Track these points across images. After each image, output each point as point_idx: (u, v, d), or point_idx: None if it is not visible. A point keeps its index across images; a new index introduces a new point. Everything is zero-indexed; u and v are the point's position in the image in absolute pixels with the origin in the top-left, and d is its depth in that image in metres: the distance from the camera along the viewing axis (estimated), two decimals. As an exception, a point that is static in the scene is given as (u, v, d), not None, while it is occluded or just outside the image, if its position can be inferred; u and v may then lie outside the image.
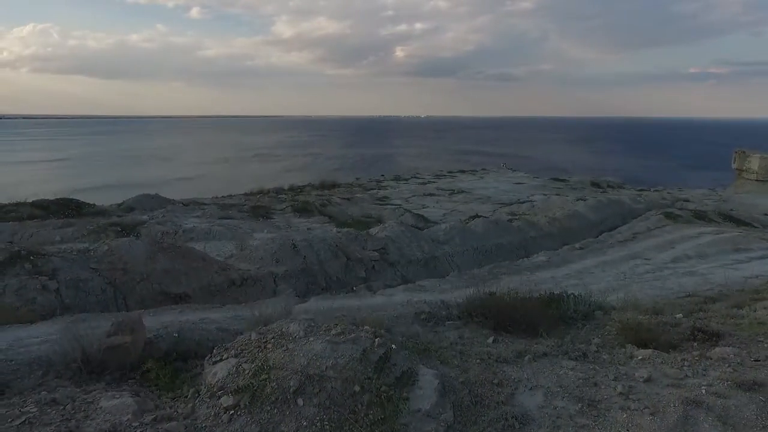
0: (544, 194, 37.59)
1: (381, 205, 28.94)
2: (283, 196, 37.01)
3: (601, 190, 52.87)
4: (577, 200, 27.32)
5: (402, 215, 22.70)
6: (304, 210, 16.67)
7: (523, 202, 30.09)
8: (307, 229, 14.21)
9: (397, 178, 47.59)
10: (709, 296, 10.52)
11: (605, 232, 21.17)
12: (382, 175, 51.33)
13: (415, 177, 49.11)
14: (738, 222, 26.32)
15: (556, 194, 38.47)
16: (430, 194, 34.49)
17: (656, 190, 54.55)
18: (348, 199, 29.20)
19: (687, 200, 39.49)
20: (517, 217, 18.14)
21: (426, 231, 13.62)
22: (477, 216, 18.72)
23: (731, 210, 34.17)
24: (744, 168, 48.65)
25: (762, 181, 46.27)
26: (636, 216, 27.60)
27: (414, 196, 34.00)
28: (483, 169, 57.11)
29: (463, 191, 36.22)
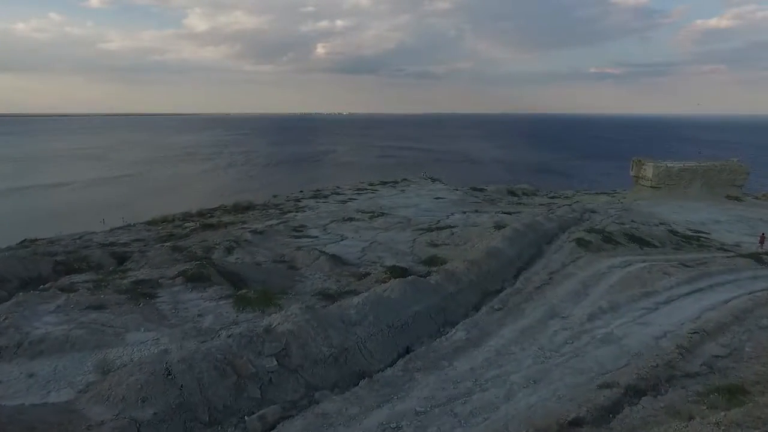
0: (464, 212, 37.41)
1: (297, 238, 26.90)
2: (190, 224, 33.76)
3: (516, 198, 54.35)
4: (495, 227, 26.99)
5: (317, 259, 20.93)
6: (199, 278, 14.34)
7: (443, 228, 29.41)
8: (197, 315, 12.01)
9: (316, 195, 45.54)
10: (630, 384, 9.93)
11: (523, 269, 20.81)
12: (301, 191, 49.03)
13: (336, 193, 47.35)
14: (641, 242, 27.36)
15: (476, 211, 38.50)
16: (350, 219, 32.90)
17: (565, 196, 57.06)
18: (261, 233, 26.85)
19: (594, 211, 41.20)
20: (435, 270, 16.99)
21: (336, 310, 12.01)
22: (394, 269, 17.40)
23: (633, 224, 36.01)
24: (640, 175, 51.99)
25: (656, 187, 49.65)
26: (550, 238, 27.93)
27: (333, 222, 32.22)
28: (404, 180, 56.50)
29: (383, 213, 35.01)
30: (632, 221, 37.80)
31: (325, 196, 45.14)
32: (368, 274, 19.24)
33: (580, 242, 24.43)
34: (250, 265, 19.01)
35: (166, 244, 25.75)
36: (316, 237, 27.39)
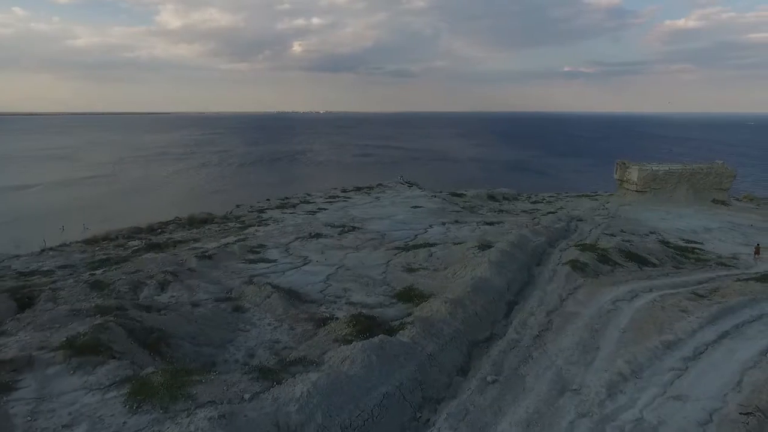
0: (443, 223, 34.03)
1: (252, 262, 23.00)
2: (135, 243, 29.54)
3: (497, 203, 51.33)
4: (479, 247, 23.59)
5: (269, 296, 17.19)
6: (93, 348, 10.41)
7: (421, 246, 25.90)
8: (63, 425, 8.20)
9: (283, 204, 41.55)
10: None
11: (515, 303, 17.46)
12: (268, 200, 44.95)
13: (305, 201, 43.45)
14: (639, 260, 24.44)
15: (456, 222, 35.17)
16: (317, 235, 29.12)
17: (547, 201, 54.35)
18: (210, 257, 22.90)
19: (580, 219, 38.42)
20: (411, 320, 13.41)
21: (270, 408, 8.34)
22: (359, 319, 13.72)
23: (624, 234, 33.27)
24: (625, 179, 49.55)
25: (641, 191, 47.26)
26: (540, 256, 24.79)
27: (297, 239, 28.40)
28: (379, 185, 52.90)
29: (354, 227, 31.33)
30: (622, 231, 35.14)
31: (293, 206, 41.21)
32: (329, 318, 15.56)
33: (575, 266, 21.25)
34: (181, 312, 15.11)
35: (95, 273, 21.62)
36: (275, 261, 23.54)
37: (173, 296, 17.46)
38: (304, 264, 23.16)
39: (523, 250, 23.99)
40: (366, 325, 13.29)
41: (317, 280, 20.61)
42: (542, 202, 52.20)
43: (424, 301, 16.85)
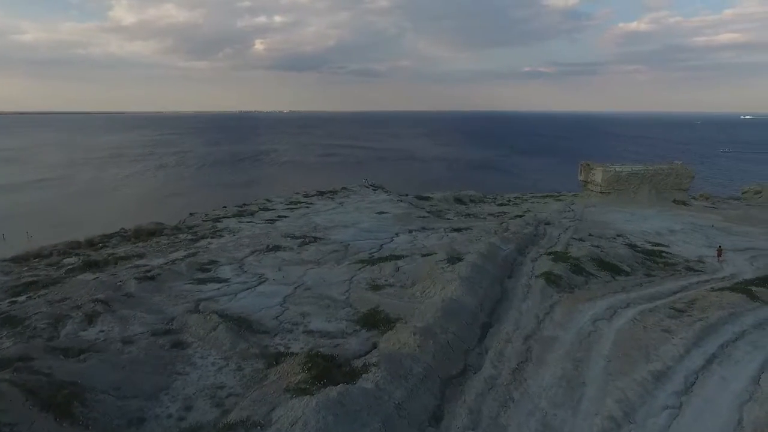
0: (410, 231, 32.46)
1: (200, 283, 20.69)
2: (70, 260, 26.54)
3: (464, 206, 50.31)
4: (447, 260, 22.05)
5: (215, 329, 15.07)
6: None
7: (387, 259, 24.16)
8: None
9: (241, 213, 38.98)
10: None
11: (489, 326, 15.99)
12: (225, 207, 42.24)
13: (265, 208, 41.01)
14: (612, 269, 23.55)
15: (422, 229, 33.69)
16: (276, 248, 26.95)
17: (514, 203, 53.75)
18: (152, 278, 20.45)
19: (548, 223, 37.67)
20: (375, 362, 11.63)
21: None
22: (315, 361, 11.80)
23: (592, 238, 32.61)
24: (589, 180, 49.43)
25: (605, 192, 47.20)
26: (511, 266, 23.57)
27: (254, 253, 26.16)
28: (343, 189, 50.90)
29: (316, 238, 29.31)
30: (590, 235, 34.54)
31: (252, 213, 38.73)
32: (282, 354, 13.60)
33: (549, 279, 20.05)
34: (106, 355, 12.83)
35: (15, 300, 18.86)
36: (227, 281, 21.29)
37: (102, 331, 15.07)
38: (260, 283, 21.02)
39: (493, 262, 22.67)
40: (323, 368, 11.43)
41: (273, 303, 18.55)
42: (509, 204, 51.54)
43: (390, 329, 15.18)
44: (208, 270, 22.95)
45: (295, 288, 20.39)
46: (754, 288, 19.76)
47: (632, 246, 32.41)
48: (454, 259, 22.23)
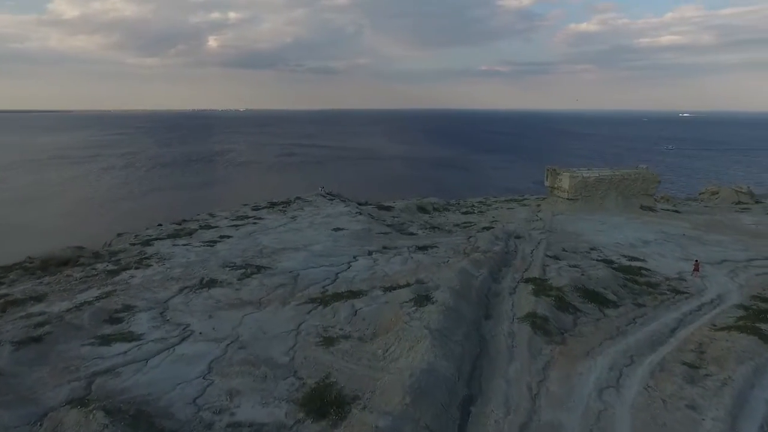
0: (370, 253, 28.61)
1: (103, 344, 16.08)
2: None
3: (428, 216, 46.99)
4: (414, 300, 18.35)
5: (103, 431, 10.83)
6: None
7: (343, 297, 20.20)
8: None
9: (177, 232, 33.95)
10: None
11: (469, 403, 12.43)
12: (160, 225, 37.02)
13: (206, 225, 36.12)
14: (598, 301, 20.65)
15: (384, 248, 29.93)
16: (211, 283, 22.47)
17: (480, 210, 50.94)
18: (38, 339, 15.73)
19: (518, 236, 34.80)
20: None
21: None
22: None
23: (565, 253, 29.88)
24: (556, 186, 47.20)
25: (572, 199, 45.04)
26: (487, 302, 20.28)
27: (183, 291, 21.61)
28: (298, 199, 46.43)
29: (261, 268, 24.95)
30: (564, 250, 31.87)
31: (190, 233, 33.79)
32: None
33: (535, 324, 16.75)
34: None
35: None
36: (140, 338, 16.75)
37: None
38: (182, 340, 16.63)
39: (467, 299, 19.20)
40: None
41: (193, 374, 14.26)
42: (474, 213, 48.64)
43: (344, 417, 11.38)
44: (119, 320, 18.30)
45: (227, 346, 16.14)
46: (762, 327, 17.17)
47: (609, 262, 30.00)
48: (421, 298, 18.56)
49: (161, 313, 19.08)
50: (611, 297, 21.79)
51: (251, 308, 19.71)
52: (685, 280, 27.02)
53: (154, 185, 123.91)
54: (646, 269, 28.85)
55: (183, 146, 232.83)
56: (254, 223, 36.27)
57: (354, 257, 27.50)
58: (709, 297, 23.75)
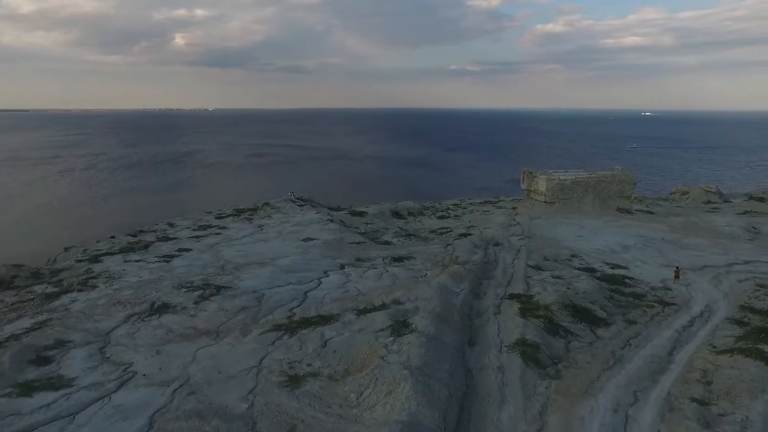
0: (342, 267, 26.44)
1: (23, 395, 13.43)
2: None
3: (403, 221, 45.10)
4: (392, 330, 16.28)
5: None
6: None
7: (312, 322, 18.04)
8: None
9: (131, 246, 30.96)
10: None
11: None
12: (113, 237, 33.84)
13: (165, 237, 33.18)
14: (588, 320, 19.14)
15: (357, 260, 27.82)
16: (163, 308, 19.88)
17: (455, 215, 49.37)
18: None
19: (497, 243, 33.28)
20: None
21: None
22: None
23: (547, 262, 28.42)
24: (532, 189, 46.05)
25: (549, 202, 43.96)
26: (470, 324, 18.52)
27: (130, 318, 18.98)
28: (266, 205, 43.75)
29: (221, 288, 22.44)
30: (545, 259, 30.47)
31: (146, 246, 30.86)
32: None
33: (526, 354, 15.00)
34: None
35: None
36: (71, 383, 14.16)
37: None
38: (120, 386, 14.12)
39: (450, 323, 17.34)
40: None
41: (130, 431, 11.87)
42: (450, 217, 47.01)
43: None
44: (48, 360, 15.62)
45: (174, 392, 13.74)
46: (764, 348, 15.91)
47: (591, 270, 28.83)
48: (399, 325, 16.57)
49: (100, 349, 16.46)
50: (600, 313, 20.34)
51: (207, 339, 17.29)
52: (670, 289, 25.99)
53: (116, 188, 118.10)
54: (629, 278, 27.75)
55: (149, 147, 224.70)
56: (217, 234, 33.54)
57: (325, 272, 25.28)
58: (698, 309, 22.67)
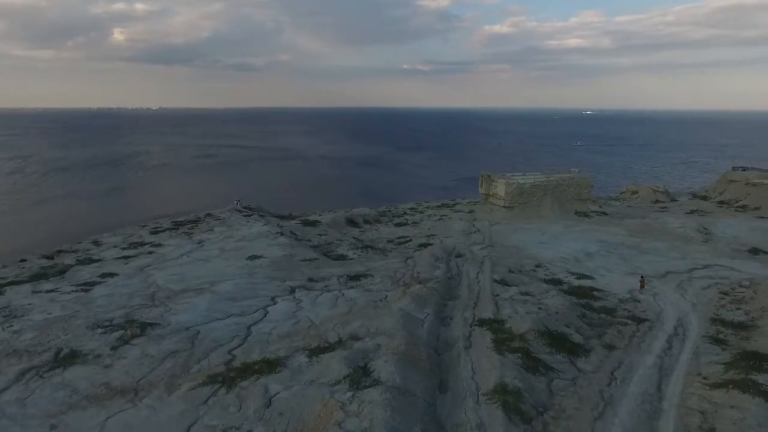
0: (292, 291, 23.47)
1: None
2: None
3: (359, 230, 42.44)
4: (351, 382, 13.65)
5: None
6: None
7: (254, 370, 15.10)
8: None
9: (44, 271, 26.46)
10: None
11: None
12: (23, 261, 29.06)
13: (87, 259, 28.80)
14: (567, 349, 17.32)
15: (310, 281, 24.94)
16: (70, 357, 16.25)
17: (414, 221, 47.23)
18: None
19: (459, 255, 31.35)
20: None
21: None
22: None
23: (512, 275, 26.71)
24: (491, 193, 44.65)
25: (509, 207, 42.68)
26: (439, 361, 16.23)
27: (25, 375, 15.25)
28: (208, 216, 39.77)
29: (146, 325, 18.93)
30: (510, 271, 28.81)
31: (63, 271, 26.51)
32: None
33: (507, 405, 12.81)
34: None
35: None
36: None
37: None
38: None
39: (417, 365, 14.92)
40: None
41: None
42: (408, 224, 44.82)
43: None
44: None
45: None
46: (758, 379, 14.56)
47: (558, 282, 27.51)
48: (358, 373, 13.96)
49: (-16, 432, 12.79)
50: (577, 338, 18.63)
51: (121, 401, 13.94)
52: (639, 301, 25.02)
53: (46, 194, 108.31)
54: (597, 289, 26.62)
55: (85, 148, 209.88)
56: (150, 253, 29.53)
57: (272, 299, 22.23)
58: (670, 325, 21.64)
